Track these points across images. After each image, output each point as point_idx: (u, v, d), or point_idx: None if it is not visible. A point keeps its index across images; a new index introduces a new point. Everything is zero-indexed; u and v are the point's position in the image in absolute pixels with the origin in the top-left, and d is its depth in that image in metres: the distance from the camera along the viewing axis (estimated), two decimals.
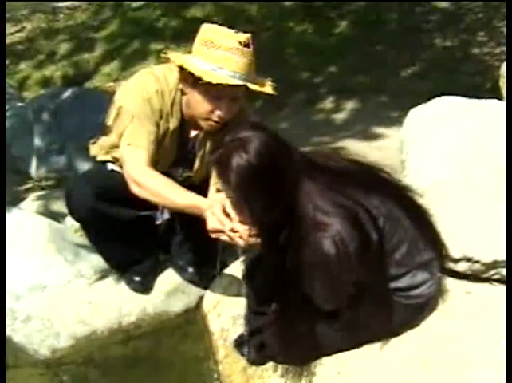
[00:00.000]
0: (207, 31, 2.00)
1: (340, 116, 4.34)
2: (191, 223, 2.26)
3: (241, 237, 1.81)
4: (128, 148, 2.05)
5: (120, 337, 2.32)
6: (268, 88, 2.04)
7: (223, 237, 1.84)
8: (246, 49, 1.96)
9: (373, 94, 4.49)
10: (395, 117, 3.94)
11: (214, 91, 1.98)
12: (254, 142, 1.58)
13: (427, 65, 4.87)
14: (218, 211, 1.83)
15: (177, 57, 2.06)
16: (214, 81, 1.93)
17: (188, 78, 2.01)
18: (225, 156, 1.61)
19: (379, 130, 3.90)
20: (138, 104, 2.06)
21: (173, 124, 2.12)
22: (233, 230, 1.79)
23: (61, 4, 7.13)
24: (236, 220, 1.78)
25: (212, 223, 1.84)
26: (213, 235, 1.86)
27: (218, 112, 2.03)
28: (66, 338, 2.26)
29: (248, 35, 1.98)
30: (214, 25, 2.05)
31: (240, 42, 1.94)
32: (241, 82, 1.96)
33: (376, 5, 5.72)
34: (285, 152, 1.63)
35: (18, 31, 6.50)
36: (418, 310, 1.81)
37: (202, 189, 2.07)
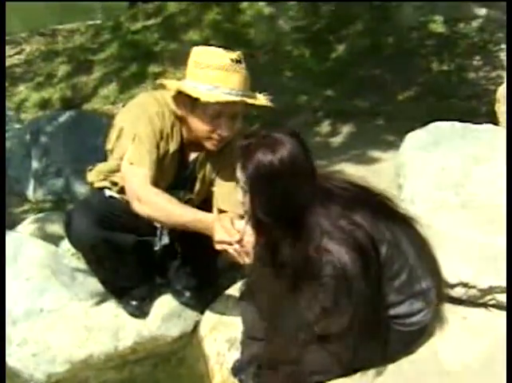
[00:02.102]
0: (198, 53, 2.02)
1: (337, 140, 4.35)
2: (188, 248, 2.29)
3: (247, 253, 1.82)
4: (131, 167, 2.04)
5: (116, 362, 2.30)
6: (265, 101, 2.04)
7: (230, 250, 1.85)
8: (238, 65, 1.97)
9: (370, 118, 4.51)
10: (392, 141, 3.95)
11: (212, 110, 1.99)
12: (284, 147, 1.60)
13: (424, 89, 4.92)
14: (227, 223, 1.85)
15: (172, 83, 2.09)
16: (212, 100, 1.94)
17: (186, 102, 2.01)
18: (252, 147, 1.62)
19: (375, 154, 3.90)
20: (139, 125, 2.06)
21: (173, 146, 2.10)
22: (240, 244, 1.81)
23: (59, 26, 7.19)
24: (245, 234, 1.80)
25: (220, 235, 1.86)
26: (219, 247, 1.87)
27: (219, 131, 2.03)
28: (62, 363, 2.25)
29: (239, 52, 2.01)
30: (204, 47, 2.07)
31: (232, 59, 1.96)
32: (238, 98, 1.96)
33: (374, 30, 5.77)
34: (308, 168, 1.64)
35: (17, 53, 6.54)
36: (413, 337, 1.81)
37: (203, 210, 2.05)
